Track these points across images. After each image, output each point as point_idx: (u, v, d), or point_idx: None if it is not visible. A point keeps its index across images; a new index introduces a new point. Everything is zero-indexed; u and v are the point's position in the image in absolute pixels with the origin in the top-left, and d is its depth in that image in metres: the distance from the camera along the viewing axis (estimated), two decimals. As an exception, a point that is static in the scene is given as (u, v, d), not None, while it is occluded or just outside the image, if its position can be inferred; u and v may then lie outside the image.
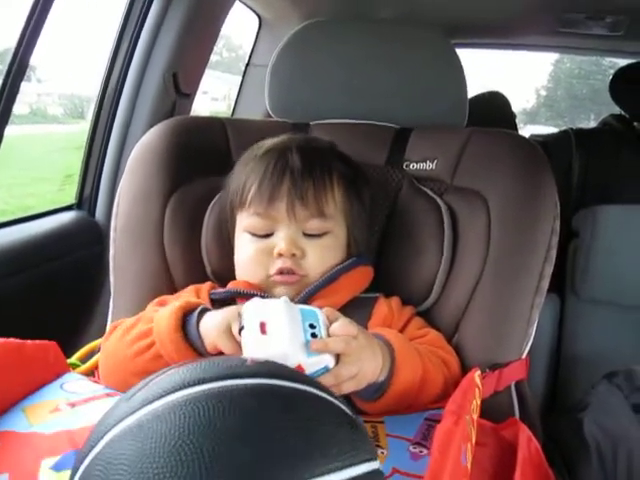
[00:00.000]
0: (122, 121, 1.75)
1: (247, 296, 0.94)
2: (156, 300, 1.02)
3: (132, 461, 0.50)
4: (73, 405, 0.82)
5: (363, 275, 1.06)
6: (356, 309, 0.99)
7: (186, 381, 0.56)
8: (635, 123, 1.95)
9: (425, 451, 0.75)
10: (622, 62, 2.24)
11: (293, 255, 0.98)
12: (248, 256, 1.01)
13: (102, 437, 0.54)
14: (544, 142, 1.86)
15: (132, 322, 0.95)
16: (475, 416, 0.76)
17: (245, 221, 1.02)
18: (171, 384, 0.56)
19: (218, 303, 0.99)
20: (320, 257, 1.00)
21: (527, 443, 0.79)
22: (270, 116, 1.33)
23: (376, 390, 0.84)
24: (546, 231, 1.05)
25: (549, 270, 1.05)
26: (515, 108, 2.62)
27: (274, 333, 0.76)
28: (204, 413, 0.52)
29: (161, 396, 0.55)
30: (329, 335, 0.78)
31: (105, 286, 1.34)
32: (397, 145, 1.21)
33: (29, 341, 0.88)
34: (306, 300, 0.97)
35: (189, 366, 0.59)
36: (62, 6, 1.40)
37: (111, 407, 0.58)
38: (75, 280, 1.63)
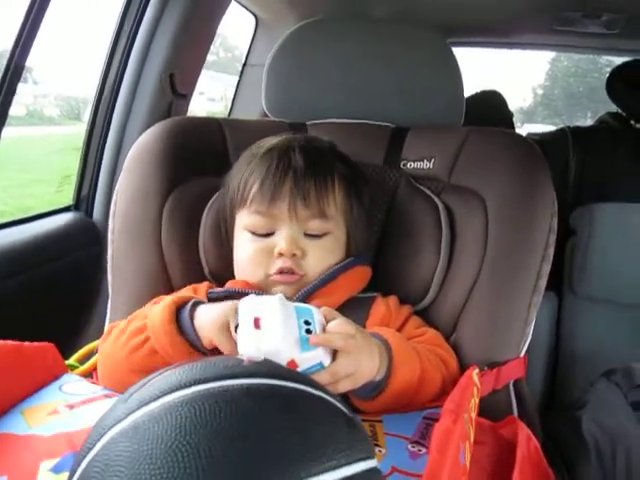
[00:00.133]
0: (119, 122, 1.75)
1: (245, 295, 0.94)
2: (153, 300, 1.02)
3: (129, 462, 0.50)
4: (72, 407, 0.82)
5: (361, 275, 1.06)
6: (354, 308, 0.99)
7: (182, 382, 0.55)
8: (632, 121, 1.95)
9: (424, 450, 0.75)
10: (619, 60, 2.25)
11: (294, 255, 0.98)
12: (247, 255, 1.01)
13: (99, 439, 0.54)
14: (541, 140, 1.86)
15: (127, 322, 0.96)
16: (473, 415, 0.76)
17: (245, 219, 1.01)
18: (167, 385, 0.56)
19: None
20: (320, 258, 1.00)
21: (526, 441, 0.79)
22: (267, 116, 1.33)
23: (373, 389, 0.84)
24: (543, 229, 1.05)
25: (547, 269, 1.05)
26: (512, 107, 2.63)
27: (267, 328, 0.76)
28: (200, 414, 0.52)
29: (157, 397, 0.55)
30: (324, 332, 0.79)
31: (103, 287, 1.34)
32: (394, 144, 1.21)
33: (27, 343, 0.88)
34: (304, 299, 0.97)
35: (185, 367, 0.59)
36: (58, 7, 1.39)
37: (108, 409, 0.58)
38: (73, 281, 1.63)
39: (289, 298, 0.91)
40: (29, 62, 1.38)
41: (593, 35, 2.27)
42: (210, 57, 2.09)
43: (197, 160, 1.17)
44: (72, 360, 1.04)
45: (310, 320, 0.78)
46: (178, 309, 0.90)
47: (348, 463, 0.53)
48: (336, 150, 1.09)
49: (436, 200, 1.11)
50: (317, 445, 0.53)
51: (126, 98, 1.75)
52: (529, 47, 3.06)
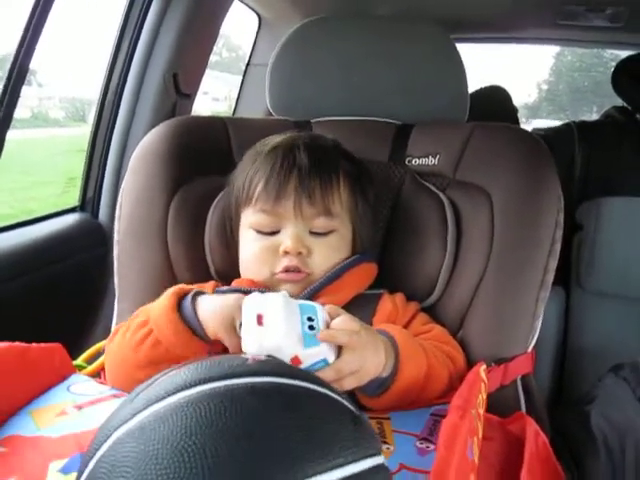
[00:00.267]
0: (123, 123, 1.75)
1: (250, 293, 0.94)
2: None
3: (135, 463, 0.50)
4: (80, 407, 0.82)
5: (367, 272, 1.06)
6: (360, 306, 1.00)
7: (187, 382, 0.56)
8: (637, 115, 1.94)
9: (432, 446, 0.74)
10: (623, 54, 2.24)
11: (299, 253, 0.98)
12: (253, 254, 1.01)
13: (106, 440, 0.54)
14: (546, 135, 1.86)
15: (131, 319, 0.96)
16: (481, 410, 0.76)
17: (251, 218, 1.01)
18: (173, 385, 0.56)
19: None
20: (326, 256, 1.00)
21: (534, 437, 0.79)
22: (271, 115, 1.33)
23: (379, 386, 0.84)
24: (550, 225, 1.05)
25: (554, 264, 1.04)
26: (517, 102, 2.62)
27: (270, 325, 0.76)
28: (206, 413, 0.52)
29: (163, 397, 0.55)
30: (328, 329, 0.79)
31: (109, 287, 1.34)
32: (399, 141, 1.21)
33: (34, 344, 0.89)
34: (310, 297, 0.97)
35: (190, 366, 0.59)
36: (61, 9, 1.40)
37: (115, 409, 0.59)
38: (79, 282, 1.63)
39: (295, 296, 0.91)
40: (33, 64, 1.38)
41: (597, 29, 2.26)
42: (213, 57, 2.09)
43: (202, 159, 1.17)
44: (80, 360, 1.04)
45: (313, 317, 0.78)
46: (180, 299, 0.91)
47: (355, 460, 0.53)
48: (340, 147, 1.08)
49: (441, 196, 1.11)
50: (323, 443, 0.53)
51: (130, 99, 1.75)
52: (533, 42, 3.05)
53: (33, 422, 0.79)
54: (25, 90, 1.40)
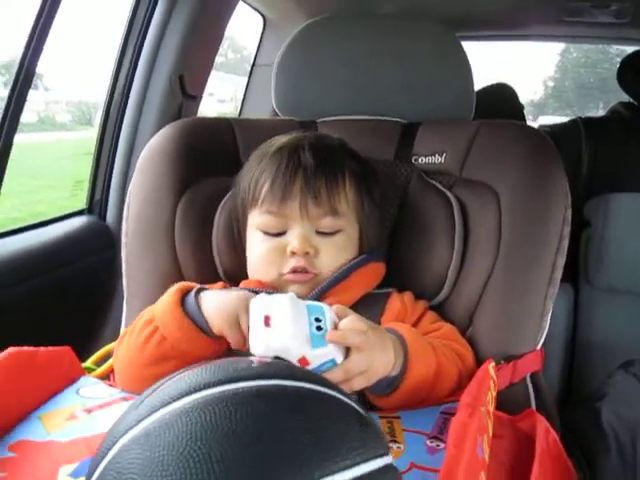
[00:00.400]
0: (130, 125, 1.76)
1: (254, 292, 0.94)
2: None
3: (141, 470, 0.50)
4: (89, 411, 0.82)
5: (375, 271, 1.05)
6: (369, 305, 1.00)
7: (192, 386, 0.55)
8: (644, 110, 1.93)
9: (442, 445, 0.74)
10: (629, 49, 2.23)
11: (306, 253, 0.97)
12: (260, 255, 1.01)
13: (112, 446, 0.54)
14: (553, 132, 1.85)
15: (137, 319, 0.97)
16: (491, 408, 0.76)
17: (257, 219, 1.01)
18: (177, 390, 0.56)
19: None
20: (333, 255, 1.00)
21: (545, 434, 0.79)
22: (277, 115, 1.33)
23: (389, 385, 0.84)
24: (557, 221, 1.04)
25: (562, 261, 1.04)
26: (523, 99, 2.61)
27: (277, 326, 0.76)
28: (211, 418, 0.51)
29: (168, 403, 0.55)
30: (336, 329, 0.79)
31: (118, 289, 1.35)
32: (405, 139, 1.21)
33: (42, 348, 0.89)
34: (318, 298, 0.97)
35: (195, 371, 0.59)
36: (67, 13, 1.40)
37: (121, 415, 0.58)
38: (88, 284, 1.64)
39: (303, 297, 0.91)
40: (39, 69, 1.39)
41: (602, 25, 2.25)
42: (219, 59, 2.09)
43: (208, 160, 1.18)
44: (89, 363, 1.04)
45: (321, 317, 0.78)
46: (183, 296, 0.91)
47: (362, 461, 0.53)
48: (346, 147, 1.08)
49: (448, 194, 1.11)
50: (330, 445, 0.52)
51: (136, 101, 1.75)
52: (538, 39, 3.04)
53: (43, 427, 0.79)
54: (32, 94, 1.40)
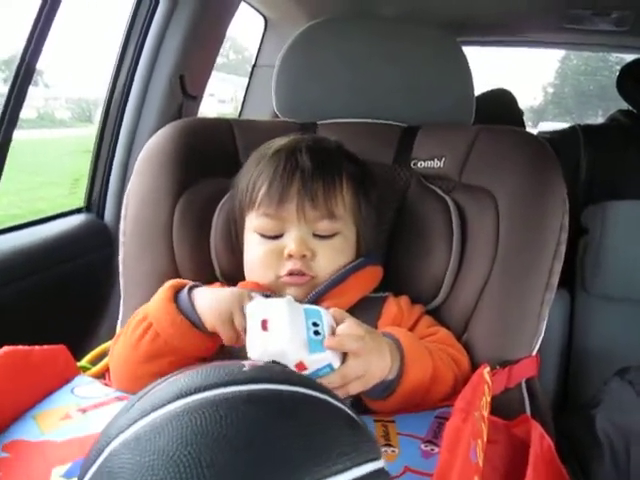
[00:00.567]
0: (129, 124, 1.76)
1: (248, 290, 0.94)
2: None
3: (131, 475, 0.49)
4: (84, 411, 0.82)
5: (372, 275, 1.05)
6: (365, 309, 0.99)
7: (183, 390, 0.55)
8: (643, 118, 1.94)
9: (436, 449, 0.74)
10: (629, 57, 2.23)
11: (303, 256, 0.97)
12: (257, 257, 1.01)
13: (103, 450, 0.54)
14: (551, 139, 1.85)
15: (132, 318, 0.97)
16: (485, 413, 0.76)
17: (254, 222, 1.01)
18: (168, 394, 0.55)
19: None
20: (330, 258, 1.00)
21: (539, 440, 0.79)
22: (277, 116, 1.33)
23: (385, 389, 0.84)
24: (555, 228, 1.05)
25: (559, 266, 1.04)
26: (522, 105, 2.62)
27: (274, 330, 0.76)
28: (201, 422, 0.51)
29: (159, 407, 0.54)
30: (333, 334, 0.79)
31: (115, 288, 1.35)
32: (404, 143, 1.21)
33: (37, 347, 0.89)
34: (315, 301, 0.97)
35: (186, 374, 0.58)
36: (68, 11, 1.40)
37: (112, 418, 0.58)
38: (85, 282, 1.64)
39: (300, 300, 0.92)
40: (40, 65, 1.39)
41: (603, 33, 2.26)
42: (220, 59, 2.09)
43: (208, 161, 1.18)
44: (84, 362, 1.04)
45: (318, 322, 0.78)
46: (176, 292, 0.92)
47: (353, 466, 0.52)
48: (343, 149, 1.08)
49: (447, 199, 1.11)
50: (321, 450, 0.52)
51: (136, 100, 1.75)
52: (539, 45, 3.05)
53: (37, 426, 0.79)
54: (31, 90, 1.40)
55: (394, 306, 1.02)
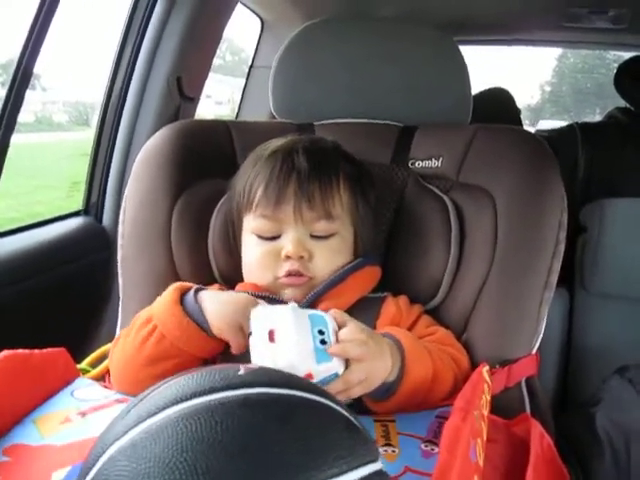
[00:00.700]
0: (127, 126, 1.76)
1: (255, 298, 0.94)
2: None
3: None
4: (84, 414, 0.82)
5: (371, 275, 1.05)
6: (364, 309, 0.99)
7: (179, 396, 0.54)
8: (641, 116, 1.94)
9: (436, 449, 0.74)
10: (626, 55, 2.23)
11: (301, 257, 0.97)
12: (255, 259, 1.01)
13: (99, 457, 0.53)
14: (549, 137, 1.85)
15: (133, 320, 0.97)
16: (485, 412, 0.76)
17: (252, 223, 1.01)
18: (164, 400, 0.55)
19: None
20: (328, 259, 0.99)
21: (539, 439, 0.79)
22: (274, 117, 1.33)
23: (386, 390, 0.84)
24: (553, 226, 1.05)
25: (557, 265, 1.04)
26: (520, 104, 2.62)
27: (282, 342, 0.76)
28: (197, 429, 0.51)
29: (154, 413, 0.54)
30: (337, 340, 0.79)
31: (113, 291, 1.35)
32: (402, 143, 1.21)
33: (37, 350, 0.88)
34: (313, 302, 0.97)
35: (182, 379, 0.58)
36: (65, 14, 1.40)
37: (109, 424, 0.58)
38: (84, 285, 1.64)
39: (299, 301, 0.92)
40: (37, 69, 1.39)
41: (600, 31, 2.26)
42: (217, 61, 2.09)
43: (205, 163, 1.18)
44: (84, 364, 1.04)
45: (324, 329, 0.78)
46: (182, 295, 0.92)
47: (350, 469, 0.52)
48: (340, 149, 1.08)
49: (445, 199, 1.11)
50: (317, 453, 0.52)
51: (134, 102, 1.75)
52: (536, 44, 3.05)
53: (37, 430, 0.79)
54: (29, 94, 1.40)
55: (393, 306, 1.02)
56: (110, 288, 1.64)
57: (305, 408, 0.57)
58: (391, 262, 1.12)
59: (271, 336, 0.76)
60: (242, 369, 0.59)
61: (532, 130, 2.15)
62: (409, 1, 2.08)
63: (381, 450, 0.74)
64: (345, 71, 1.28)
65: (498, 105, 2.34)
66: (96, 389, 0.90)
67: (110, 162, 1.76)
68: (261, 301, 0.91)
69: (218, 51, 2.04)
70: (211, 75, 2.03)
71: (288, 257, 0.97)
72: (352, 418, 0.58)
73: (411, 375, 0.85)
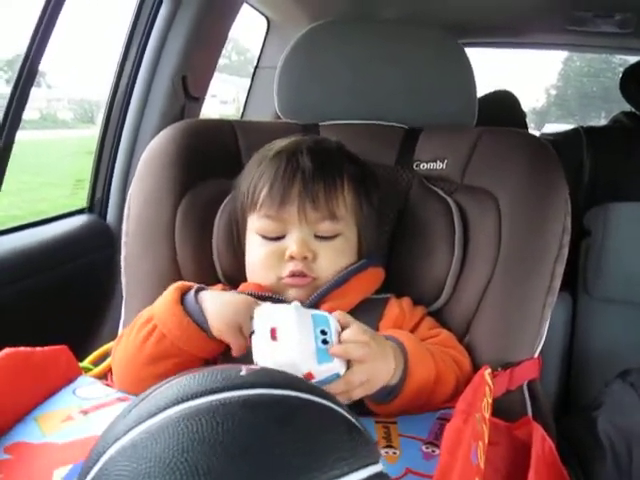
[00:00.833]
0: (132, 125, 1.76)
1: (258, 298, 0.94)
2: None
3: None
4: (86, 412, 0.82)
5: (374, 276, 1.05)
6: (367, 310, 0.99)
7: (180, 396, 0.54)
8: (646, 120, 1.94)
9: (438, 451, 0.74)
10: (632, 59, 2.23)
11: (305, 258, 0.97)
12: (259, 259, 1.01)
13: (100, 457, 0.53)
14: (554, 141, 1.85)
15: (135, 320, 0.97)
16: (487, 414, 0.76)
17: (256, 223, 1.01)
18: (164, 400, 0.55)
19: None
20: (331, 259, 0.99)
21: (541, 442, 0.79)
22: (279, 118, 1.33)
23: (388, 393, 0.84)
24: (557, 230, 1.04)
25: (561, 269, 1.04)
26: (525, 107, 2.62)
27: (284, 340, 0.76)
28: (197, 429, 0.50)
29: (155, 413, 0.54)
30: (340, 341, 0.79)
31: (117, 288, 1.35)
32: (407, 145, 1.21)
33: (39, 348, 0.88)
34: (317, 302, 0.97)
35: (183, 379, 0.58)
36: (71, 12, 1.40)
37: (110, 423, 0.58)
38: (87, 283, 1.64)
39: (302, 302, 0.92)
40: (42, 66, 1.39)
41: (606, 34, 2.26)
42: (222, 60, 2.09)
43: (210, 162, 1.18)
44: (86, 362, 1.04)
45: (327, 330, 0.78)
46: (182, 294, 0.92)
47: (351, 471, 0.52)
48: (344, 150, 1.08)
49: (449, 201, 1.11)
50: (318, 455, 0.51)
51: (139, 101, 1.75)
52: (541, 47, 3.05)
53: (39, 428, 0.79)
54: (34, 91, 1.40)
55: (396, 307, 1.02)
56: (113, 286, 1.64)
57: (307, 410, 0.56)
58: (395, 263, 1.12)
59: (273, 334, 0.76)
60: (244, 370, 0.59)
61: (537, 134, 2.15)
62: (413, 4, 2.08)
63: (382, 452, 0.74)
64: (350, 72, 1.28)
65: (504, 108, 2.34)
66: (98, 387, 0.90)
67: (115, 160, 1.76)
68: (262, 302, 0.91)
69: (224, 51, 2.04)
70: (216, 75, 2.03)
71: (292, 257, 0.97)
72: (353, 420, 0.58)
73: (414, 378, 0.85)
